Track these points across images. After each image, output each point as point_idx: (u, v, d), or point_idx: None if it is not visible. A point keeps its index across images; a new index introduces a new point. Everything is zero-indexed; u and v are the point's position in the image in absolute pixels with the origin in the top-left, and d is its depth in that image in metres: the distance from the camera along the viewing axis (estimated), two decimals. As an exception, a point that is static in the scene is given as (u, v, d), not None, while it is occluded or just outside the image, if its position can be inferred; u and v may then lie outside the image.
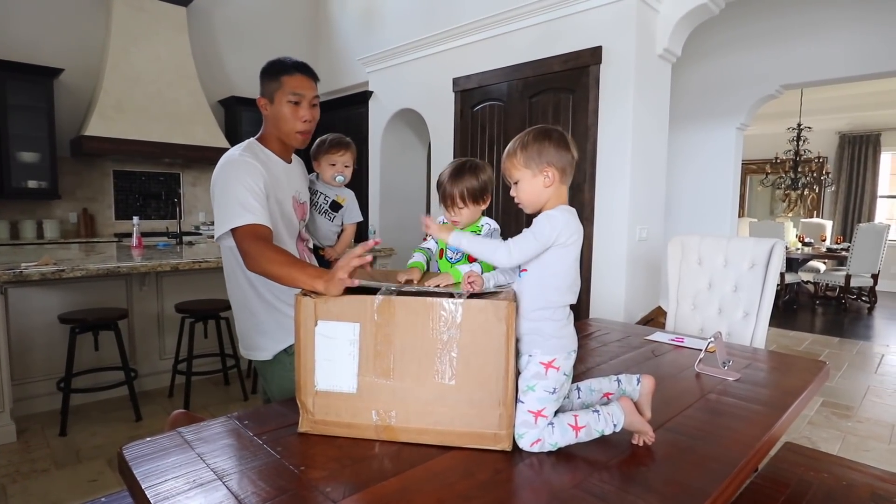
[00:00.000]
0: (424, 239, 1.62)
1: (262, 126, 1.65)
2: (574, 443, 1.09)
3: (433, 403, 1.09)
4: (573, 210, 1.14)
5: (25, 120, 4.85)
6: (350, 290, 1.15)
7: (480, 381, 1.07)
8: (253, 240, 1.39)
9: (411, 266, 1.44)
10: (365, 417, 1.12)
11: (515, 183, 1.16)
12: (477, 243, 1.15)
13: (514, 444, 1.09)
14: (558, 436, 1.07)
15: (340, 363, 1.12)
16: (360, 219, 2.04)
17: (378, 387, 1.11)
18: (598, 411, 1.11)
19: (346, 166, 1.91)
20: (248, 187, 1.45)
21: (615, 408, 1.12)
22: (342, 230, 2.03)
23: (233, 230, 1.42)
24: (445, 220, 1.59)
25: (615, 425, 1.11)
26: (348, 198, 1.99)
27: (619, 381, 1.24)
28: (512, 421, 1.08)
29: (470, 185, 1.46)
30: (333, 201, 1.95)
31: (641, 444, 1.12)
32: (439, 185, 1.51)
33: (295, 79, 1.55)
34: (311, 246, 1.86)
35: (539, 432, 1.07)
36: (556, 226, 1.08)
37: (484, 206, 1.54)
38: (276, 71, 1.56)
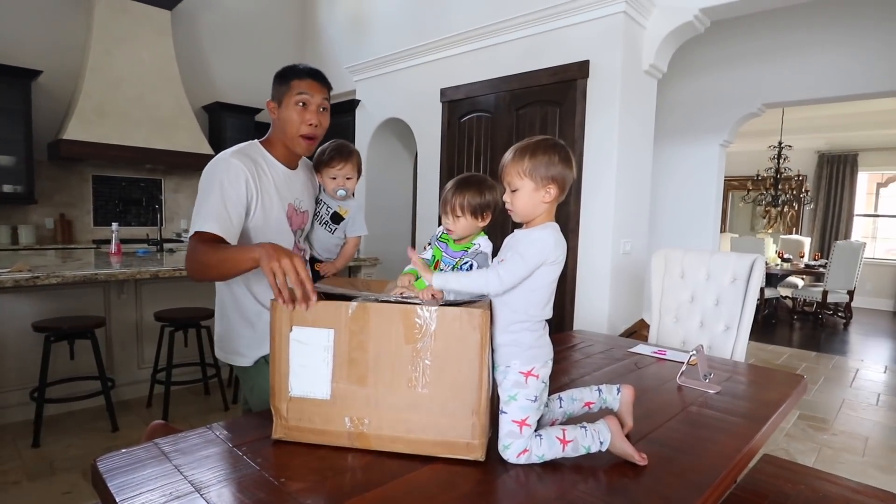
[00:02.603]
0: (424, 248, 1.61)
1: (270, 130, 1.62)
2: (560, 457, 1.09)
3: (406, 411, 1.08)
4: (558, 227, 1.14)
5: (1, 122, 4.75)
6: (327, 297, 1.14)
7: (454, 390, 1.06)
8: (196, 243, 1.37)
9: (407, 273, 1.43)
10: (338, 424, 1.11)
11: (514, 191, 1.14)
12: (465, 281, 1.11)
13: (496, 456, 1.08)
14: (546, 447, 1.07)
15: (314, 369, 1.11)
16: (365, 232, 1.94)
17: (352, 393, 1.10)
18: (585, 427, 1.11)
19: (347, 178, 1.80)
20: (225, 193, 1.43)
21: (602, 426, 1.12)
22: (345, 242, 1.94)
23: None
24: (444, 230, 1.58)
25: (601, 443, 1.10)
26: (352, 209, 1.89)
27: (599, 390, 1.25)
28: (485, 430, 1.07)
29: (471, 198, 1.45)
30: (335, 213, 1.85)
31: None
32: (444, 191, 1.50)
33: (304, 82, 1.53)
34: (307, 257, 1.80)
35: (525, 442, 1.07)
36: (545, 248, 1.08)
37: (483, 224, 1.52)
38: (287, 75, 1.55)
